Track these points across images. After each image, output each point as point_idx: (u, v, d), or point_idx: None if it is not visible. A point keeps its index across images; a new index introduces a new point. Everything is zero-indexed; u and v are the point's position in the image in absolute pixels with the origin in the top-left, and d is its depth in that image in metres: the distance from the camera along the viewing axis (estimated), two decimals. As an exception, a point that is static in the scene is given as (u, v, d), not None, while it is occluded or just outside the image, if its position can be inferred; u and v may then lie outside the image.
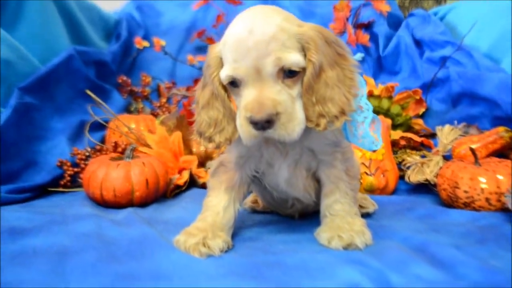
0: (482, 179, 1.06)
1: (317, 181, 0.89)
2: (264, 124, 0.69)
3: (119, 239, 0.82)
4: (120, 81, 1.85)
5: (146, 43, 1.94)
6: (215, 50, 0.79)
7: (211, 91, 0.80)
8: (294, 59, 0.71)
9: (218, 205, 0.85)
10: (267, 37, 0.69)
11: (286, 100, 0.71)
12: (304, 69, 0.73)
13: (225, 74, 0.73)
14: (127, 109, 1.81)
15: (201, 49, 2.07)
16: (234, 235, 0.87)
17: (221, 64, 0.77)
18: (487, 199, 1.05)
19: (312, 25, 0.76)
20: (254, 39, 0.69)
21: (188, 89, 1.85)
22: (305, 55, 0.73)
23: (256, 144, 0.79)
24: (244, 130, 0.72)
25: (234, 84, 0.74)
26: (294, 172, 0.85)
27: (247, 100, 0.71)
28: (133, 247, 0.78)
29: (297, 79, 0.73)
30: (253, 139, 0.73)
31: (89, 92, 1.35)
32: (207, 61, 0.80)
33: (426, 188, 1.31)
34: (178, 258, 0.72)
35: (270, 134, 0.71)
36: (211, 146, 0.82)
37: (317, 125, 0.74)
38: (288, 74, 0.72)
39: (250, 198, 1.11)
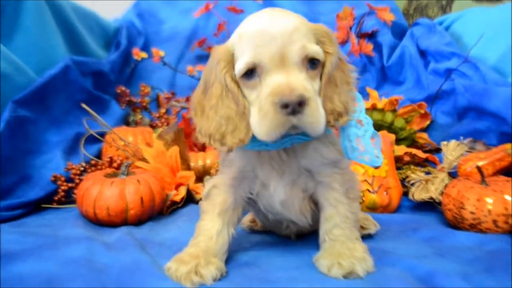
0: (489, 200, 1.02)
1: (314, 204, 0.86)
2: (296, 106, 0.66)
3: (110, 266, 0.80)
4: (118, 91, 1.81)
5: (144, 54, 1.91)
6: (224, 47, 0.75)
7: (220, 89, 0.75)
8: (317, 48, 0.71)
9: (211, 229, 0.82)
10: (290, 28, 0.69)
11: (312, 90, 0.70)
12: (322, 64, 0.73)
13: (244, 62, 0.70)
14: (125, 120, 1.77)
15: (202, 58, 2.04)
16: (229, 259, 0.84)
17: (232, 60, 0.74)
18: (494, 221, 1.00)
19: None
20: (278, 28, 0.69)
21: (187, 99, 1.82)
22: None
23: (252, 163, 0.79)
24: (270, 118, 0.68)
25: (249, 76, 0.71)
26: (291, 193, 0.82)
27: (274, 85, 0.68)
28: (124, 276, 0.75)
29: (317, 73, 0.73)
30: (278, 129, 0.68)
31: (84, 105, 1.32)
32: (215, 59, 0.75)
33: (430, 206, 1.27)
34: (168, 290, 0.69)
35: (298, 121, 0.67)
36: (223, 149, 0.76)
37: (328, 121, 0.73)
38: (311, 65, 0.72)
39: (248, 217, 1.08)
